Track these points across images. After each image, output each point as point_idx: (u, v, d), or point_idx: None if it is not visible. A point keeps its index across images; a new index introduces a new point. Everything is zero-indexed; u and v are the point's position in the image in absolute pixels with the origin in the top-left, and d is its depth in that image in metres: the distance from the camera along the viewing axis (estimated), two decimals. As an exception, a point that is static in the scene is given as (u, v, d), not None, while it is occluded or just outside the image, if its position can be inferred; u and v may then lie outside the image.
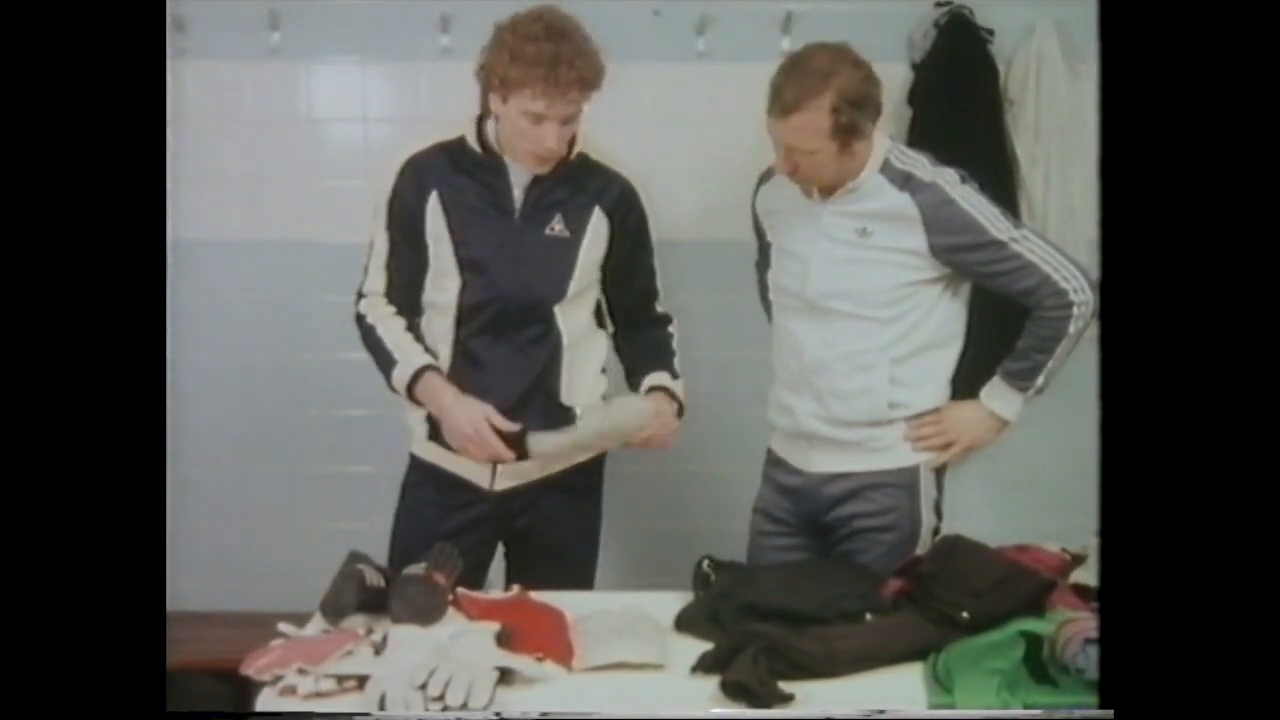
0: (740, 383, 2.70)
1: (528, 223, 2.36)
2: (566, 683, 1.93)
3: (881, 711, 1.82)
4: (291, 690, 1.84)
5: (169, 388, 1.61)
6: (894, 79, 3.11)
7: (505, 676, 1.88)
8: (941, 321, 2.39)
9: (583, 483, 2.48)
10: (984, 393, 2.44)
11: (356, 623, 2.05)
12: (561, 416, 2.40)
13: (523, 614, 2.11)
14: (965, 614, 2.00)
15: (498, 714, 1.80)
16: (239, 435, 3.42)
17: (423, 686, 1.80)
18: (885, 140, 2.38)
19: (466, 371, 2.38)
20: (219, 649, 2.68)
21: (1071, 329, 2.33)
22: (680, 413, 2.43)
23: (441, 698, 1.79)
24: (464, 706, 1.79)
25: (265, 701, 1.84)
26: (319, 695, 1.83)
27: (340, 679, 1.86)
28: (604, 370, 2.49)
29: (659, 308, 2.52)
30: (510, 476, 2.42)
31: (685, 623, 2.12)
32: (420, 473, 2.49)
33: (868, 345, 2.36)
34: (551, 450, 2.35)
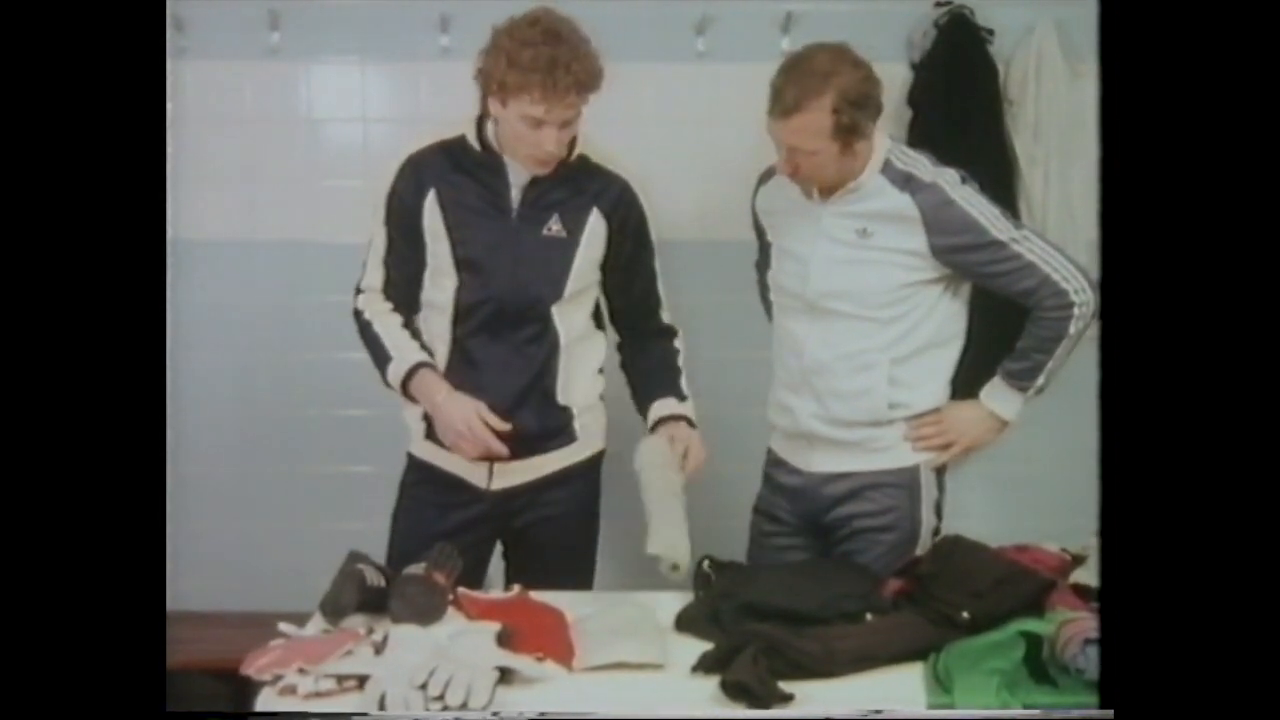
0: (740, 383, 2.70)
1: (525, 223, 2.36)
2: (566, 683, 1.93)
3: (879, 711, 1.82)
4: (291, 690, 1.84)
5: (169, 388, 1.61)
6: (894, 79, 3.11)
7: (505, 676, 1.88)
8: (942, 322, 2.39)
9: (581, 483, 2.48)
10: (984, 393, 2.44)
11: (356, 623, 2.05)
12: (558, 417, 2.41)
13: (523, 614, 2.11)
14: (965, 614, 2.00)
15: (495, 714, 1.80)
16: (239, 435, 3.42)
17: (423, 686, 1.80)
18: (886, 140, 2.38)
19: (463, 370, 2.38)
20: (219, 649, 2.67)
21: (1072, 329, 2.33)
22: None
23: (441, 698, 1.79)
24: (464, 706, 1.79)
25: (265, 701, 1.84)
26: (319, 695, 1.83)
27: (340, 679, 1.86)
28: (601, 370, 2.49)
29: (664, 317, 2.50)
30: (507, 476, 2.42)
31: (685, 623, 2.12)
32: (418, 472, 2.49)
33: (868, 345, 2.36)
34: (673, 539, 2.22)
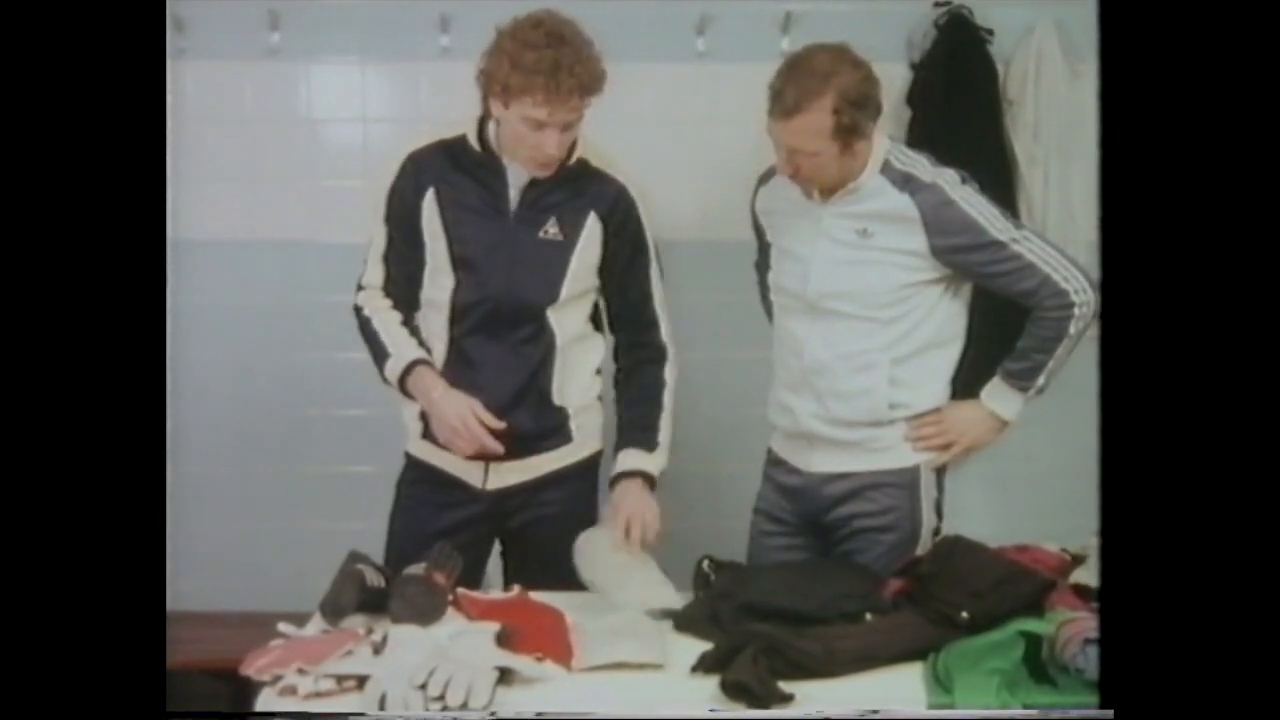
0: (740, 383, 2.70)
1: (522, 224, 2.36)
2: (566, 683, 1.93)
3: (876, 711, 1.82)
4: (291, 690, 1.84)
5: (169, 388, 1.61)
6: (894, 79, 3.11)
7: (505, 676, 1.88)
8: (942, 322, 2.39)
9: (578, 483, 2.48)
10: (984, 393, 2.44)
11: (356, 623, 2.05)
12: (554, 417, 2.41)
13: (522, 614, 2.11)
14: (965, 614, 2.00)
15: (495, 714, 1.80)
16: (239, 435, 3.42)
17: (422, 686, 1.80)
18: (885, 141, 2.38)
19: (460, 369, 2.39)
20: (219, 649, 2.67)
21: (1072, 329, 2.33)
22: (652, 487, 2.39)
23: (441, 698, 1.79)
24: (464, 706, 1.79)
25: (265, 701, 1.84)
26: (319, 695, 1.83)
27: (340, 679, 1.86)
28: (599, 371, 2.49)
29: (662, 337, 2.46)
30: (503, 476, 2.42)
31: (685, 623, 2.12)
32: (415, 471, 2.49)
33: (868, 346, 2.36)
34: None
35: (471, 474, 2.43)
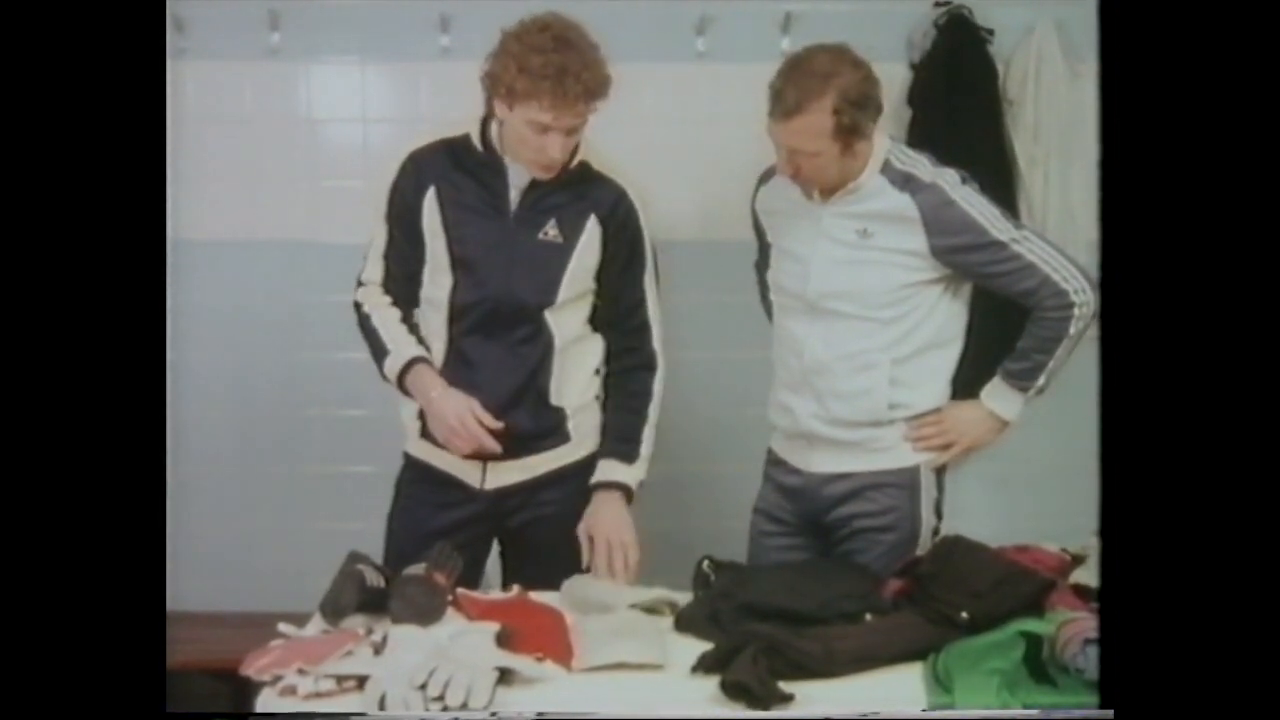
0: (740, 383, 2.70)
1: (522, 225, 2.36)
2: (566, 683, 1.92)
3: (876, 712, 1.82)
4: (291, 690, 1.84)
5: (169, 388, 1.61)
6: (894, 79, 3.11)
7: (505, 676, 1.88)
8: (942, 322, 2.39)
9: (576, 483, 2.47)
10: (984, 393, 2.44)
11: (356, 623, 2.05)
12: (551, 417, 2.41)
13: (522, 614, 2.11)
14: (965, 614, 2.00)
15: (495, 714, 1.80)
16: (239, 435, 3.42)
17: (422, 686, 1.80)
18: (886, 141, 2.38)
19: (458, 368, 2.39)
20: (219, 649, 2.67)
21: (1072, 329, 2.33)
22: (630, 499, 2.39)
23: (441, 698, 1.79)
24: (464, 707, 1.79)
25: (265, 702, 1.84)
26: (319, 695, 1.83)
27: (340, 679, 1.85)
28: (597, 372, 2.49)
29: (652, 345, 2.45)
30: (501, 476, 2.42)
31: (685, 623, 2.12)
32: (413, 470, 2.49)
33: (868, 346, 2.36)
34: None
35: (469, 473, 2.43)
